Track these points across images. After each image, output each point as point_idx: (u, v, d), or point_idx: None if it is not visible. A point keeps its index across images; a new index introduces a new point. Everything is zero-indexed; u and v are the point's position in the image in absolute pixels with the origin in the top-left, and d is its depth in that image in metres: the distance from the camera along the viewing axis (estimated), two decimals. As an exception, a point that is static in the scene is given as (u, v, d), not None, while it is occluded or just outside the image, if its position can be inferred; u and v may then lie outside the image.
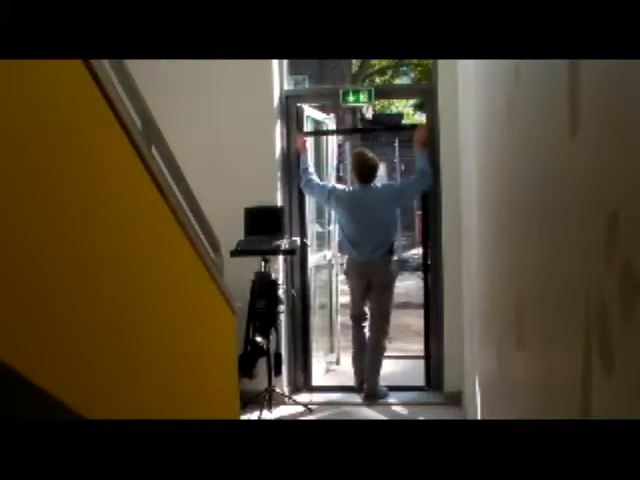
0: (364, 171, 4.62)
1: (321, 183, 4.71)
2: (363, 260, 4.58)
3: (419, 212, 13.90)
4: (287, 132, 4.76)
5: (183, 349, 2.35)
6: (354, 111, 13.47)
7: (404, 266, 13.01)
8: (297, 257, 4.78)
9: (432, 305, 4.70)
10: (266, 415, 4.25)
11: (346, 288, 5.13)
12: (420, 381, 4.78)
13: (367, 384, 4.59)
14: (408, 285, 10.27)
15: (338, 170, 7.13)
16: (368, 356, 4.64)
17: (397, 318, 7.70)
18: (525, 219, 1.74)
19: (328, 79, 14.53)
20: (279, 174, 4.67)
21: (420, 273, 7.79)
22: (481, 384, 3.21)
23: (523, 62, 1.68)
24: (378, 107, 17.60)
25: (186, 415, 2.29)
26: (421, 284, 5.18)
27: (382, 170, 20.31)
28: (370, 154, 4.71)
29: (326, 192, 4.61)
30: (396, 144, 16.82)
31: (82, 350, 1.54)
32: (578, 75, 1.15)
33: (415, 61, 15.84)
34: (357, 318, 4.77)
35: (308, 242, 4.87)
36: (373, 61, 16.21)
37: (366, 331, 4.73)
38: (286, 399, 4.53)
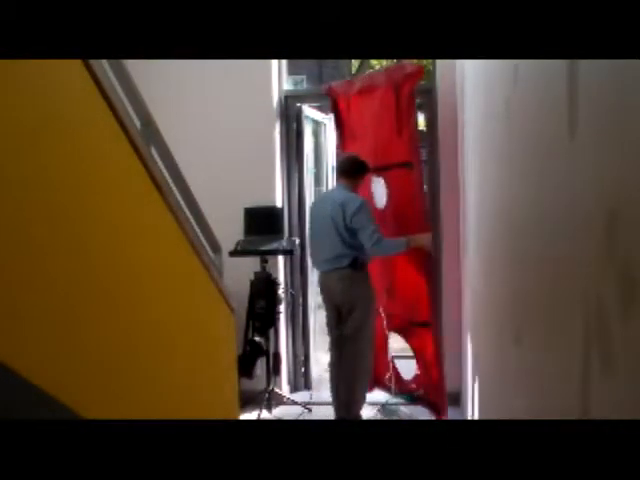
0: (336, 166, 4.30)
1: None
2: (320, 272, 4.03)
3: (418, 212, 13.95)
4: (286, 132, 4.76)
5: (182, 349, 2.35)
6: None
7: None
8: (297, 257, 4.78)
9: (432, 304, 4.69)
10: (265, 415, 4.25)
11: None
12: (420, 381, 4.78)
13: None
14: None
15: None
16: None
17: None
18: (524, 218, 1.74)
19: (327, 79, 14.52)
20: (279, 174, 4.67)
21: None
22: (481, 384, 3.21)
23: (522, 62, 1.68)
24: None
25: (185, 415, 2.29)
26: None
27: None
28: (351, 155, 4.08)
29: None
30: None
31: (81, 350, 1.54)
32: (577, 75, 1.15)
33: (415, 61, 15.83)
34: (332, 350, 4.02)
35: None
36: (373, 61, 16.19)
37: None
38: (285, 399, 4.53)
